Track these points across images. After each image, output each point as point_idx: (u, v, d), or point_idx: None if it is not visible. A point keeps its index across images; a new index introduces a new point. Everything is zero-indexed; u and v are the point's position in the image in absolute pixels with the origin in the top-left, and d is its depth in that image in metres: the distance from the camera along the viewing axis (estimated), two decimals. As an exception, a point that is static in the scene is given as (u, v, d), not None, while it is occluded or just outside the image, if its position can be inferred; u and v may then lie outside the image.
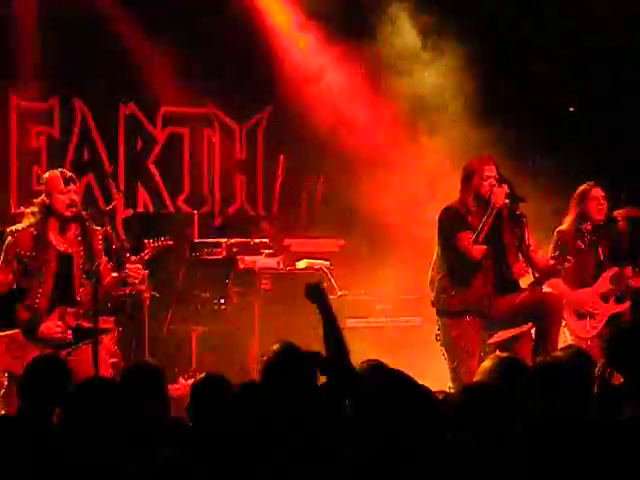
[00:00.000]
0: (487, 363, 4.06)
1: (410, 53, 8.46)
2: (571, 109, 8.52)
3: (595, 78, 8.35)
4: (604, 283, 6.46)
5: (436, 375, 5.81)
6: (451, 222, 5.87)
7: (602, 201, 6.49)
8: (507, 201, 5.83)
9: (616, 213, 7.96)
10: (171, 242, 6.09)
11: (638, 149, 8.10)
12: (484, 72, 8.29)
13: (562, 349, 4.58)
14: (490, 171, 5.89)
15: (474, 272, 5.85)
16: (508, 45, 8.51)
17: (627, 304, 6.56)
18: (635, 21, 8.08)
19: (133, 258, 5.68)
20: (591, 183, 6.57)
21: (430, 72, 8.39)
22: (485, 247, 5.82)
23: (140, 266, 5.60)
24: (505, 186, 5.87)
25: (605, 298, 6.47)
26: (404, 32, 8.45)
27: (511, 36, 8.52)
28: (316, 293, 4.35)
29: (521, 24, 8.48)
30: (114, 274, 5.58)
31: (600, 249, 6.48)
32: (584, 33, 8.26)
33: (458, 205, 5.92)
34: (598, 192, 6.51)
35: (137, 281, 5.70)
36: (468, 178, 5.93)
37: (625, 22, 8.09)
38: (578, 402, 3.61)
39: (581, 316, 6.43)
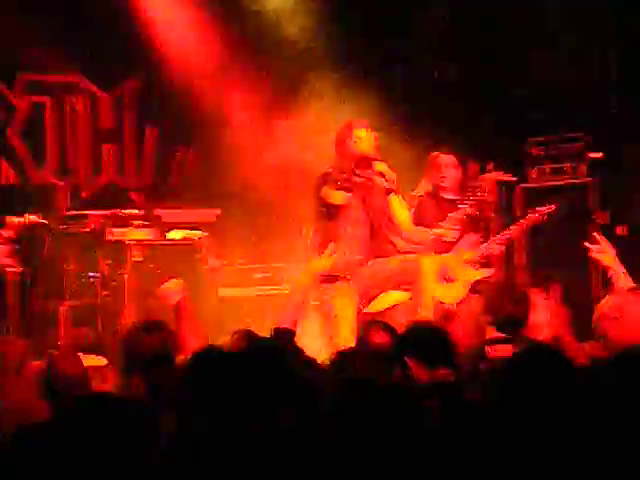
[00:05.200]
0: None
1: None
2: (435, 74, 8.58)
3: (465, 45, 8.43)
4: (462, 250, 6.45)
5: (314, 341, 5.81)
6: (321, 182, 5.91)
7: (444, 169, 6.45)
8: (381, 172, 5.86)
9: (483, 177, 8.16)
10: (41, 220, 5.88)
11: (507, 116, 8.26)
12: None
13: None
14: (360, 133, 5.93)
15: (344, 238, 5.89)
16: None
17: (492, 270, 6.63)
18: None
19: None
20: (443, 149, 6.53)
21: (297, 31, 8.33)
22: (349, 195, 5.83)
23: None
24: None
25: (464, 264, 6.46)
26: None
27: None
28: None
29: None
30: None
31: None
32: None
33: (335, 169, 5.96)
34: (443, 159, 6.48)
35: None
36: (339, 143, 5.98)
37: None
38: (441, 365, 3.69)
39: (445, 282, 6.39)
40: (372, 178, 5.90)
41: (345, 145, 5.90)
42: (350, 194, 5.81)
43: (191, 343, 4.03)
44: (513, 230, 6.63)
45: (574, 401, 2.83)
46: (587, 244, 5.00)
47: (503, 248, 6.55)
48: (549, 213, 6.56)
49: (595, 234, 5.12)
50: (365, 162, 5.85)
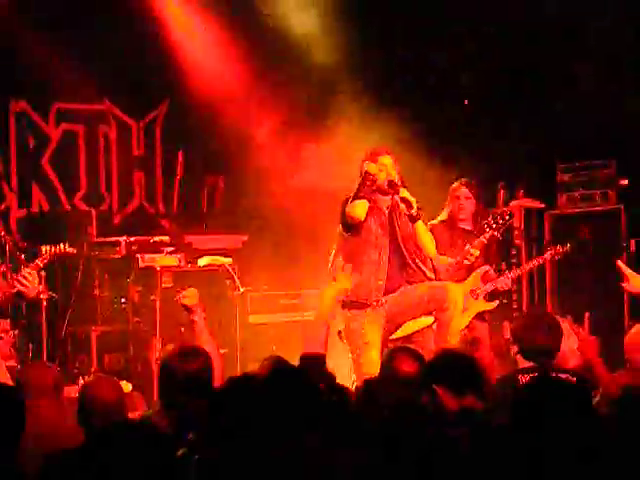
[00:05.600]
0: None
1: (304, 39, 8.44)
2: (465, 102, 8.57)
3: (491, 68, 8.40)
4: (475, 281, 6.50)
5: (342, 368, 5.80)
6: (345, 204, 5.89)
7: (462, 200, 6.49)
8: (391, 190, 5.84)
9: (512, 204, 8.15)
10: (73, 250, 5.91)
11: (533, 140, 8.23)
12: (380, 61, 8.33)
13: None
14: (385, 160, 5.91)
15: (367, 264, 5.87)
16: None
17: (495, 303, 6.58)
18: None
19: (29, 266, 5.53)
20: (463, 180, 6.61)
21: (324, 55, 8.36)
22: (366, 202, 5.80)
23: (34, 274, 5.45)
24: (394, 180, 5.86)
25: (475, 295, 6.46)
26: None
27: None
28: None
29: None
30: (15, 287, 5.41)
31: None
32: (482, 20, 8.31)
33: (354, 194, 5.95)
34: (463, 192, 6.53)
35: (32, 293, 5.55)
36: (363, 171, 5.92)
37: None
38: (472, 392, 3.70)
39: None
40: (397, 203, 5.88)
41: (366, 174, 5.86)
42: (368, 203, 5.76)
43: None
44: (526, 267, 6.83)
45: (584, 429, 2.84)
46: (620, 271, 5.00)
47: (510, 283, 6.62)
48: (565, 252, 6.62)
49: (618, 262, 5.10)
50: (389, 189, 5.84)
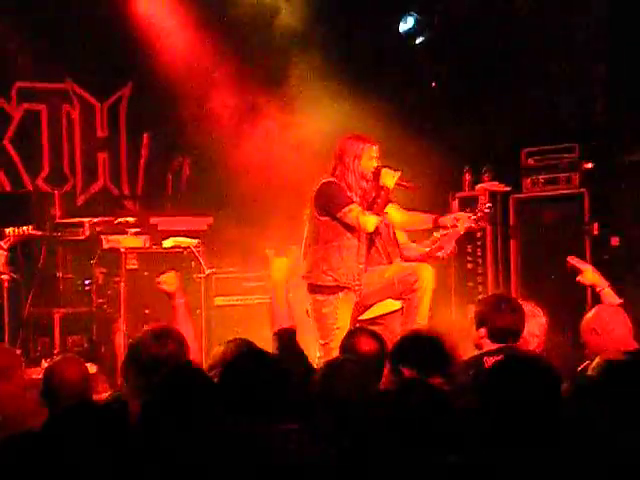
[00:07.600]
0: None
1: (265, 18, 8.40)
2: (434, 84, 8.56)
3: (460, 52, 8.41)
4: None
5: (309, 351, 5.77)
6: (336, 195, 5.76)
7: None
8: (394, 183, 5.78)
9: (477, 188, 8.18)
10: (37, 233, 5.85)
11: (498, 124, 8.25)
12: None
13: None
14: (376, 152, 5.83)
15: (347, 248, 5.82)
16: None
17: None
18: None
19: None
20: None
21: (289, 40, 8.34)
22: (380, 219, 5.77)
23: None
24: (399, 172, 5.82)
25: None
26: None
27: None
28: None
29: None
30: None
31: None
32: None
33: (339, 181, 5.84)
34: None
35: None
36: (348, 156, 5.81)
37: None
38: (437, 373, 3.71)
39: None
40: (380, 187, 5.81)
41: (355, 161, 5.79)
42: (381, 218, 5.73)
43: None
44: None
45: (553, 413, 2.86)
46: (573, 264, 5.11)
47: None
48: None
49: (569, 259, 5.16)
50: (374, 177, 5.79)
